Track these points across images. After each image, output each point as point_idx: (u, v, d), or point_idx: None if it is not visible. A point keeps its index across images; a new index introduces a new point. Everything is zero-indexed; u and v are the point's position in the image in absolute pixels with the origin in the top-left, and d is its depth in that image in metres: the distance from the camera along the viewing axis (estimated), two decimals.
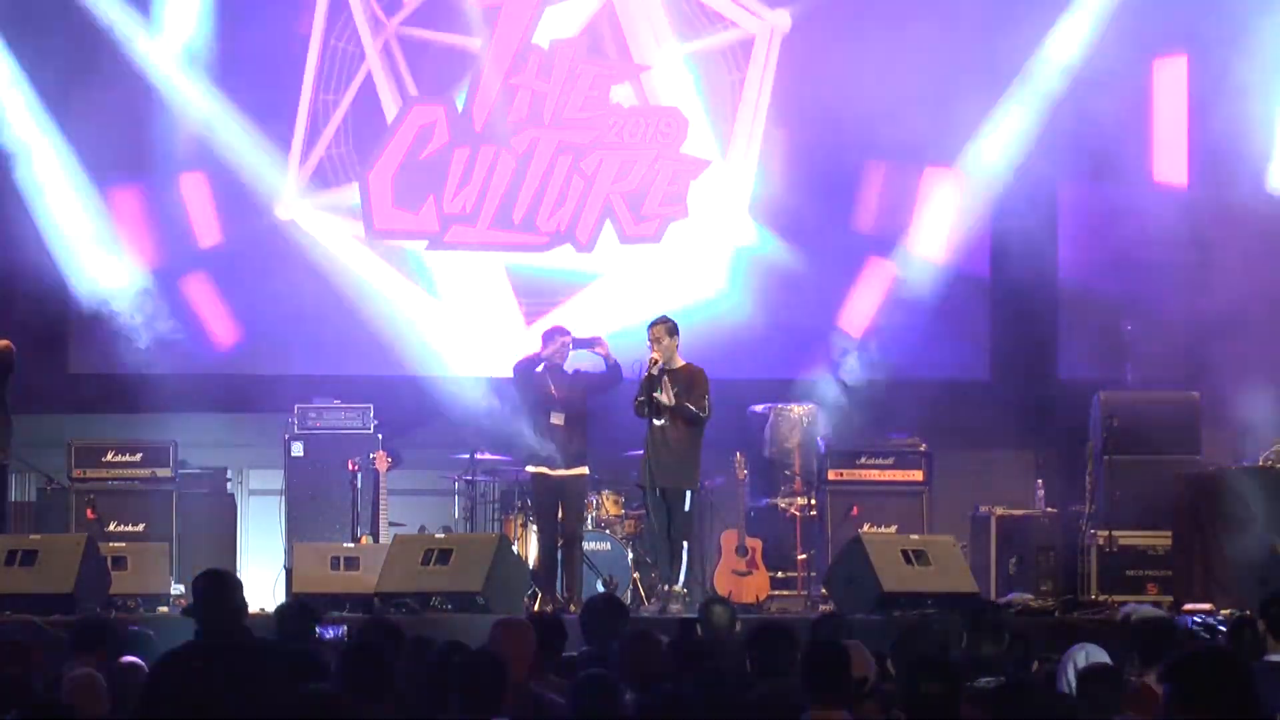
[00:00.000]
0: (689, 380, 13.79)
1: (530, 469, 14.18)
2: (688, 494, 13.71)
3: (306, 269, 16.41)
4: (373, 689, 7.08)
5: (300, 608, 9.70)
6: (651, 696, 6.82)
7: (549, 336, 14.28)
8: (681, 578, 13.72)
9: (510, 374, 14.47)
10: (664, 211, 16.75)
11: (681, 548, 13.73)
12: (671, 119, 16.75)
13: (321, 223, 16.59)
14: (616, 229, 16.77)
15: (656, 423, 13.72)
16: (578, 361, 14.42)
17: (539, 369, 14.15)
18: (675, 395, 13.65)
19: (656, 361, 13.74)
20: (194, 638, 7.38)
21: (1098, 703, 7.25)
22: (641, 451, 13.87)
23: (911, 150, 16.30)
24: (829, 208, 16.57)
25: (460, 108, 16.70)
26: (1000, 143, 16.44)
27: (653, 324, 13.96)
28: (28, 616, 12.13)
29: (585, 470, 14.16)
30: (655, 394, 13.66)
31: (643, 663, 7.73)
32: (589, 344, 14.35)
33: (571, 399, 14.07)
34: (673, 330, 13.88)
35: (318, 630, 9.61)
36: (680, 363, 13.90)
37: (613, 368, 14.18)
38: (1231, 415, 15.49)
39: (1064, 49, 16.39)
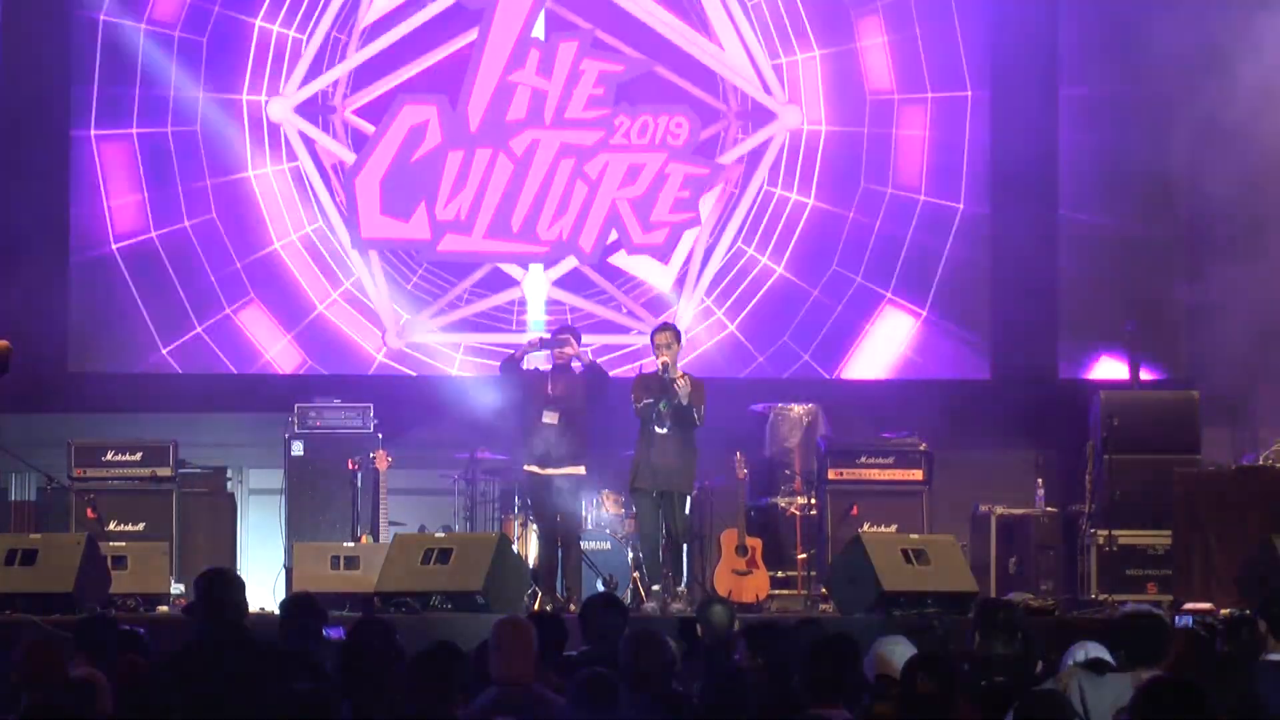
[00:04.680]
0: (691, 389, 13.71)
1: (525, 468, 14.14)
2: (686, 499, 13.71)
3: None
4: (369, 688, 7.08)
5: (307, 604, 9.55)
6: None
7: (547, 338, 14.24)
8: (684, 578, 13.75)
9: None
10: (674, 219, 16.26)
11: (683, 549, 13.74)
12: (682, 119, 16.23)
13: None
14: (623, 238, 16.31)
15: (658, 430, 13.63)
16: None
17: (529, 366, 14.02)
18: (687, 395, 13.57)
19: (668, 364, 13.65)
20: (194, 637, 7.40)
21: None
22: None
23: None
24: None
25: (453, 106, 16.20)
26: None
27: (658, 330, 13.84)
28: (28, 616, 12.12)
29: (579, 470, 13.92)
30: (675, 383, 13.48)
31: (647, 663, 7.71)
32: (559, 344, 14.11)
33: (568, 399, 13.94)
34: (678, 336, 13.83)
35: (325, 631, 9.52)
36: (679, 372, 13.81)
37: (590, 366, 14.04)
38: (1231, 415, 15.50)
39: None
